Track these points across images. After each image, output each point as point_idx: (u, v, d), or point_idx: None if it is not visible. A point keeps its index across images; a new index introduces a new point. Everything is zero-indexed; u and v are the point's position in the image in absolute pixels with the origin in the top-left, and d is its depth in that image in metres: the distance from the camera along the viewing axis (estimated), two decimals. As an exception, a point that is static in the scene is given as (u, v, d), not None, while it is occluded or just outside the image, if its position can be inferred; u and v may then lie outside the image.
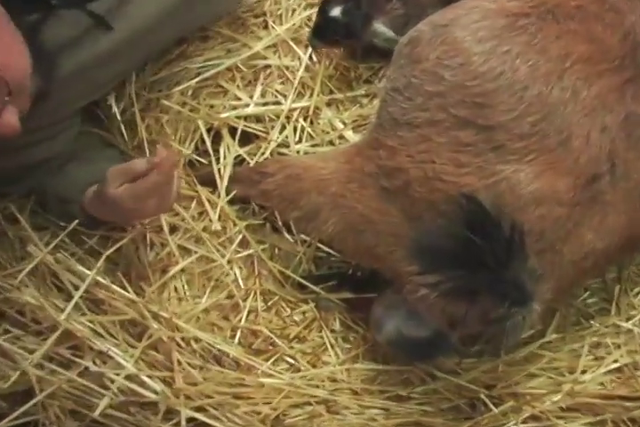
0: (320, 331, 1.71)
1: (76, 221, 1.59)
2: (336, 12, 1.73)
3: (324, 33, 1.76)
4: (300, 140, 1.79)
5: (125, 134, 1.79)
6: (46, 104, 1.50)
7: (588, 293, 1.74)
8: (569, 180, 1.39)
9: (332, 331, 1.71)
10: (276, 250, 1.77)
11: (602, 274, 1.71)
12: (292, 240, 1.75)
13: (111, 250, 1.61)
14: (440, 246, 1.32)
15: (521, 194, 1.38)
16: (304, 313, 1.73)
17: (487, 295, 1.31)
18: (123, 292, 1.59)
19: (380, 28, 1.74)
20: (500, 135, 1.39)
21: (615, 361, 1.61)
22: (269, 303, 1.72)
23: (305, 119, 1.81)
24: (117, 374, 1.48)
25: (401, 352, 1.59)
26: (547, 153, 1.39)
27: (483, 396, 1.56)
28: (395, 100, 1.48)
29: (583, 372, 1.60)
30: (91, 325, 1.55)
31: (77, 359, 1.51)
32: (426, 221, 1.43)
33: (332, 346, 1.69)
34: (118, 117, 1.77)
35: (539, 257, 1.38)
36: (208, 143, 1.79)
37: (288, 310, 1.73)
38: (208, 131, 1.80)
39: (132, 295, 1.59)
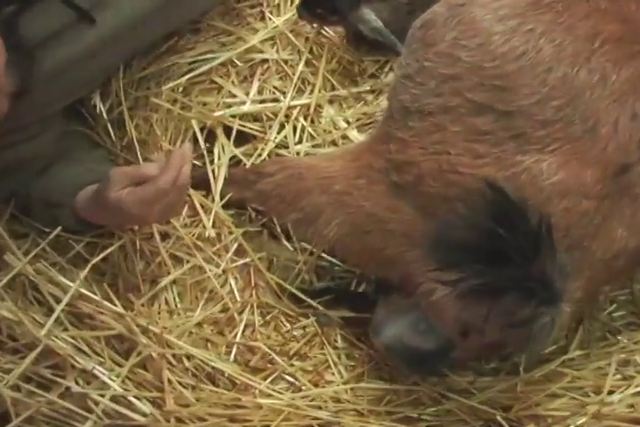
0: (322, 347, 1.66)
1: (58, 228, 1.54)
2: None
3: (310, 3, 1.78)
4: (300, 141, 1.78)
5: (113, 134, 1.77)
6: (27, 103, 1.46)
7: (614, 305, 1.69)
8: (596, 170, 1.34)
9: (335, 347, 1.66)
10: (275, 259, 1.74)
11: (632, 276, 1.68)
12: (291, 248, 1.72)
13: (97, 259, 1.57)
14: (460, 239, 1.27)
15: (543, 186, 1.34)
16: (304, 328, 1.68)
17: (512, 294, 1.25)
18: (109, 305, 1.54)
19: (369, 14, 1.77)
20: (521, 122, 1.35)
21: (646, 380, 1.57)
22: (267, 317, 1.68)
23: (305, 118, 1.79)
24: (102, 395, 1.43)
25: (398, 360, 1.54)
26: (571, 141, 1.34)
27: (499, 418, 1.49)
28: (405, 86, 1.45)
29: (610, 392, 1.52)
30: (73, 341, 1.49)
31: (58, 379, 1.45)
32: (441, 217, 1.38)
33: (335, 364, 1.63)
34: (105, 117, 1.76)
35: (566, 254, 1.32)
36: (201, 143, 1.77)
37: (287, 324, 1.68)
38: (201, 130, 1.78)
39: (120, 308, 1.54)
